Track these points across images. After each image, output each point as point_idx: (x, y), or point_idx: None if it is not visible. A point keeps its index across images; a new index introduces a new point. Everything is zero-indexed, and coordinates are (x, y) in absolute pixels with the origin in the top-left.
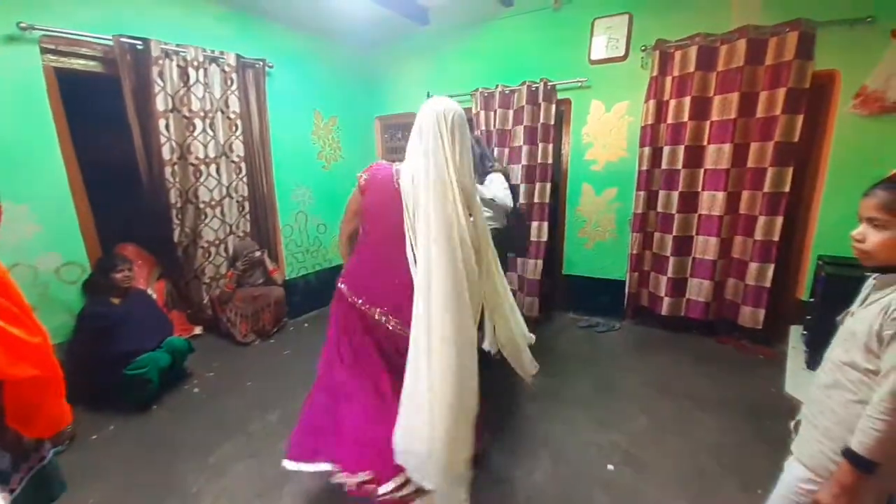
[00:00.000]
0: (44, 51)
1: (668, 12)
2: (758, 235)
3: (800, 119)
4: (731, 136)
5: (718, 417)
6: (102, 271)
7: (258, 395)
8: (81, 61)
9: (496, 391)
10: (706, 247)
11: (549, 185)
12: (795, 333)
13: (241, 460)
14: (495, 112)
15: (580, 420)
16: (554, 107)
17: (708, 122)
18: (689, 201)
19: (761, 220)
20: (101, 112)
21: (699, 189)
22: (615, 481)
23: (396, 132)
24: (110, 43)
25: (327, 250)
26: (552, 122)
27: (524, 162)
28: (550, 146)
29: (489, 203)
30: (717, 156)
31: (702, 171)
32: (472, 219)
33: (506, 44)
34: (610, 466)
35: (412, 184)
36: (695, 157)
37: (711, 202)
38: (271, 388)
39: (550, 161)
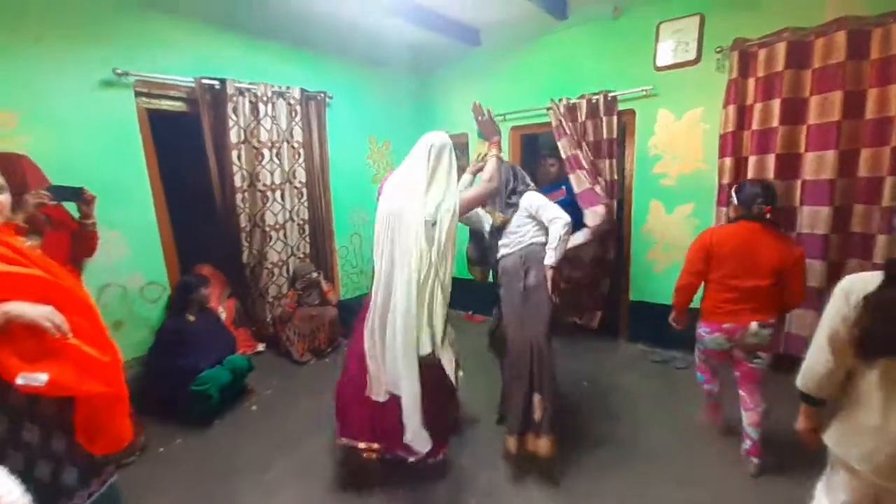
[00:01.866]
0: (137, 94)
1: (745, 9)
2: (877, 258)
3: None
4: (835, 141)
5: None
6: (188, 290)
7: (311, 413)
8: (169, 102)
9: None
10: (810, 272)
11: (614, 204)
12: None
13: (295, 478)
14: (575, 124)
15: (653, 474)
16: (616, 119)
17: (804, 127)
18: (785, 217)
19: (881, 239)
20: (182, 146)
21: (797, 204)
22: None
23: None
24: (192, 84)
25: None
26: (615, 136)
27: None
28: (614, 161)
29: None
30: (817, 165)
31: (799, 182)
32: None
33: (562, 58)
34: None
35: (387, 193)
36: (789, 166)
37: (814, 218)
38: (323, 409)
39: (616, 177)
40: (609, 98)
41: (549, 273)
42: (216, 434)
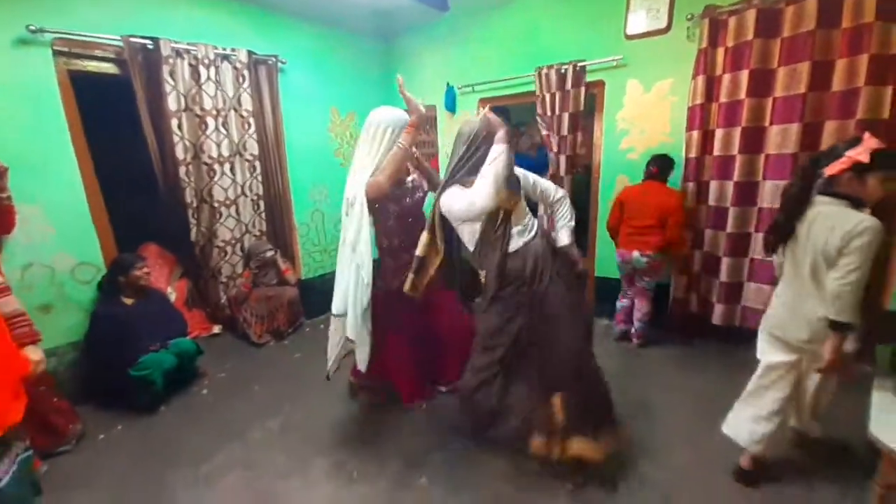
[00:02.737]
0: (56, 53)
1: None
2: None
3: (888, 91)
4: (799, 114)
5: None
6: (118, 270)
7: (264, 400)
8: (94, 63)
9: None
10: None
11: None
12: (883, 355)
13: (233, 471)
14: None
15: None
16: (584, 91)
17: (770, 99)
18: (747, 193)
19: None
20: (119, 113)
21: (759, 178)
22: None
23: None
24: (121, 44)
25: None
26: (581, 109)
27: (557, 152)
28: (579, 135)
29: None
30: (781, 138)
31: (762, 156)
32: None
33: (532, 25)
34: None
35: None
36: (754, 140)
37: (774, 194)
38: (277, 394)
39: (584, 152)
40: (578, 69)
41: (575, 253)
42: (160, 421)
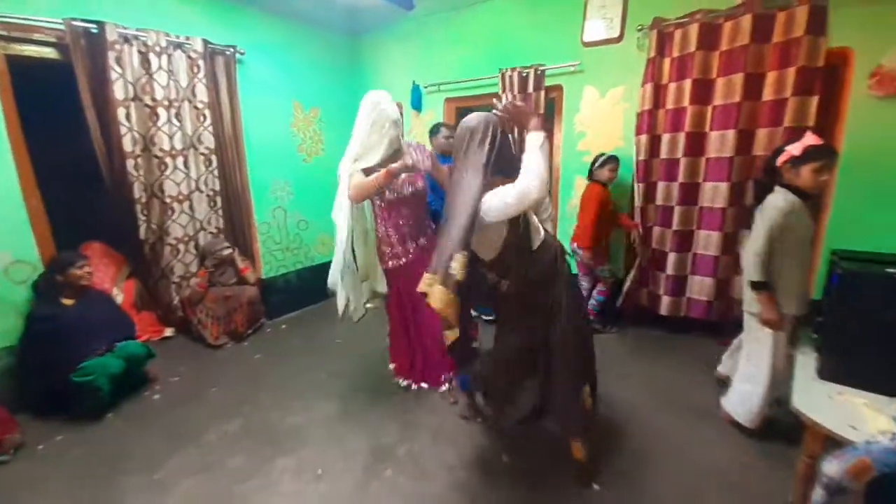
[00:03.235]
0: None
1: None
2: None
3: (814, 101)
4: (734, 121)
5: (720, 432)
6: (56, 269)
7: (221, 403)
8: (34, 48)
9: None
10: (708, 242)
11: None
12: (805, 337)
13: (189, 476)
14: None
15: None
16: (543, 94)
17: (710, 107)
18: (691, 193)
19: None
20: (60, 102)
21: (701, 180)
22: None
23: None
24: (62, 27)
25: (309, 248)
26: (542, 112)
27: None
28: None
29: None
30: (720, 143)
31: (703, 160)
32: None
33: (495, 28)
34: (596, 486)
35: None
36: (696, 145)
37: (714, 194)
38: (236, 396)
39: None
40: (539, 72)
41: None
42: (107, 428)
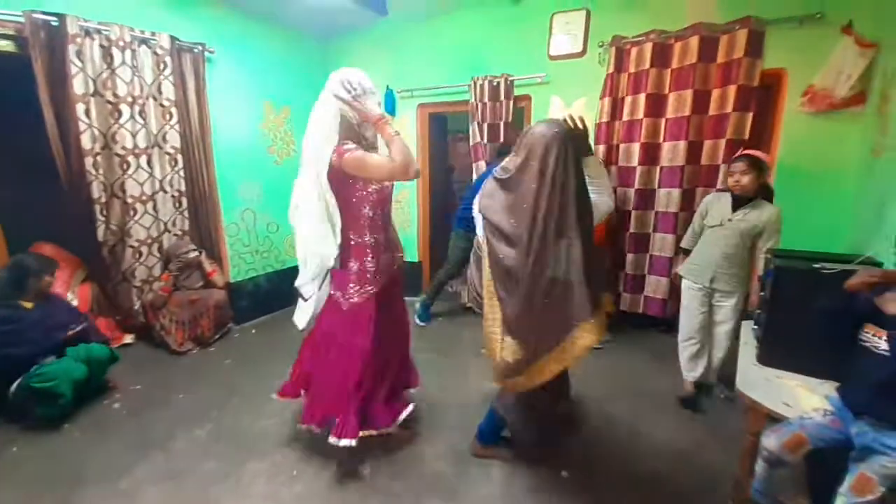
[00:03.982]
0: None
1: (624, 8)
2: None
3: (749, 116)
4: (685, 133)
5: (674, 417)
6: (23, 272)
7: (188, 409)
8: None
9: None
10: (663, 244)
11: None
12: (746, 329)
13: (156, 484)
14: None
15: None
16: (512, 103)
17: (663, 120)
18: (646, 198)
19: None
20: (16, 97)
21: (655, 186)
22: (568, 488)
23: None
24: (21, 19)
25: (279, 251)
26: (510, 120)
27: (488, 159)
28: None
29: None
30: (672, 153)
31: (658, 168)
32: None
33: (466, 38)
34: (564, 473)
35: None
36: (651, 154)
37: (667, 199)
38: (204, 402)
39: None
40: (508, 82)
41: None
42: (65, 439)
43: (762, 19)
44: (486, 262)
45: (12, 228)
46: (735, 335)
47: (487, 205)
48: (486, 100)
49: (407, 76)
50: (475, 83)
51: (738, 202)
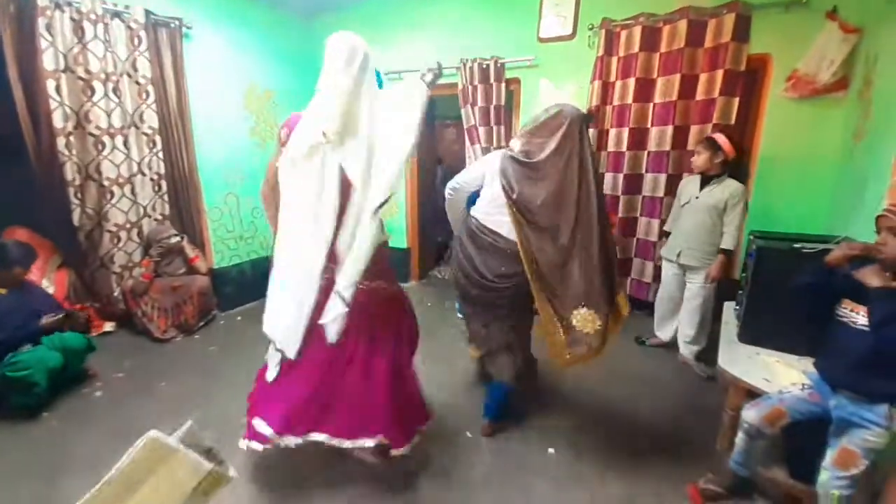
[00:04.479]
0: None
1: None
2: None
3: (735, 101)
4: (672, 118)
5: (657, 396)
6: (4, 262)
7: (173, 397)
8: None
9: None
10: (649, 228)
11: None
12: (728, 310)
13: None
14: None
15: (521, 404)
16: (504, 86)
17: (651, 105)
18: (634, 183)
19: None
20: None
21: (643, 171)
22: (555, 466)
23: None
24: None
25: (264, 236)
26: (503, 103)
27: (483, 144)
28: (502, 128)
29: None
30: (659, 138)
31: (645, 153)
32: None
33: (454, 19)
34: (551, 450)
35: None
36: (639, 139)
37: (654, 184)
38: (190, 389)
39: (504, 144)
40: (499, 64)
41: None
42: (43, 427)
43: (749, 4)
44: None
45: None
46: (707, 312)
47: (530, 194)
48: (476, 82)
49: (394, 58)
50: (465, 65)
51: (706, 181)
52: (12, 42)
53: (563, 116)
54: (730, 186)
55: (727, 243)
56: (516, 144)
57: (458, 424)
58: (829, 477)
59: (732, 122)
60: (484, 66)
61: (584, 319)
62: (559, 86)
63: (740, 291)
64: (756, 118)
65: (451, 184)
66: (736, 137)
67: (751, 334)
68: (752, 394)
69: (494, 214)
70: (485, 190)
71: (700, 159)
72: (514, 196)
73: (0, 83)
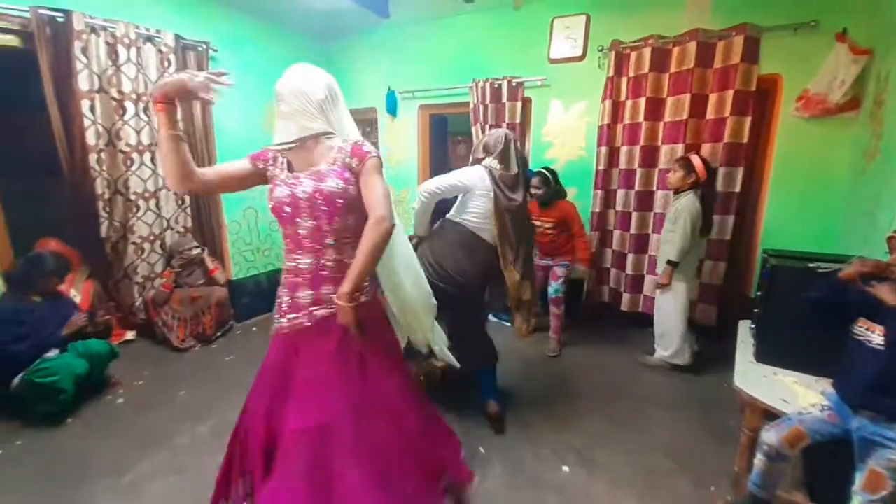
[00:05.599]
0: None
1: (623, 14)
2: (711, 234)
3: (747, 121)
4: (683, 136)
5: (672, 415)
6: (38, 267)
7: (191, 405)
8: None
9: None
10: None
11: None
12: (744, 328)
13: (161, 478)
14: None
15: (535, 421)
16: (520, 105)
17: (662, 123)
18: (645, 200)
19: (714, 218)
20: (21, 92)
21: (654, 188)
22: (569, 483)
23: (359, 128)
24: (27, 14)
25: (281, 249)
26: (518, 121)
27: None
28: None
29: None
30: (670, 155)
31: (656, 170)
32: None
33: (467, 41)
34: (565, 468)
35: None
36: (650, 156)
37: (666, 201)
38: (207, 398)
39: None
40: (514, 83)
41: None
42: (68, 433)
43: (758, 26)
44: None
45: (17, 224)
46: (666, 319)
47: (516, 199)
48: (487, 101)
49: (408, 77)
50: (476, 85)
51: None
52: (49, 64)
53: (507, 140)
54: (684, 199)
55: (669, 254)
56: (494, 164)
57: (470, 440)
58: (861, 502)
59: (745, 140)
60: (496, 85)
61: (526, 289)
62: (569, 106)
63: (755, 310)
64: (768, 137)
65: (429, 188)
66: (708, 160)
67: (767, 353)
68: (770, 414)
69: (485, 225)
70: (476, 202)
71: (674, 177)
72: (506, 203)
73: (36, 102)
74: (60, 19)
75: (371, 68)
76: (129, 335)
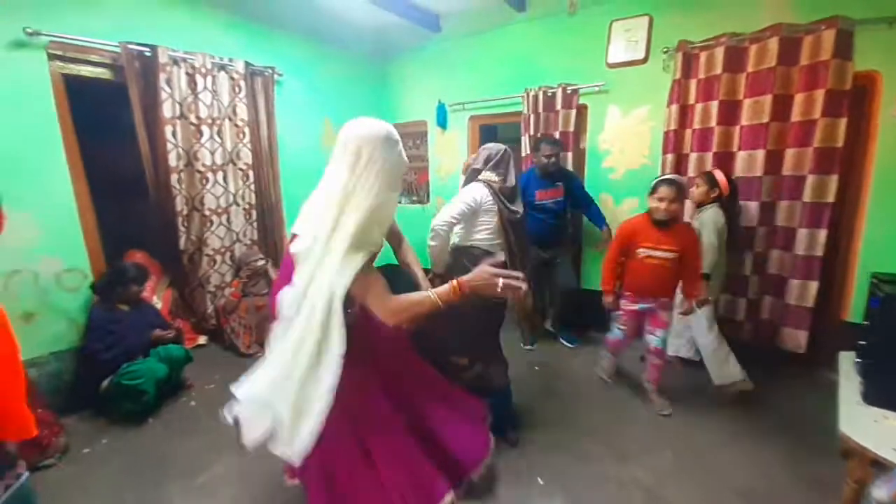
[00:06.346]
0: (51, 57)
1: (690, 13)
2: (798, 250)
3: (842, 123)
4: (763, 141)
5: (752, 455)
6: (121, 277)
7: None
8: (89, 68)
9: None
10: (740, 260)
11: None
12: (847, 361)
13: (231, 483)
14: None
15: (597, 453)
16: (574, 112)
17: (738, 128)
18: None
19: (802, 232)
20: (111, 119)
21: None
22: None
23: (408, 140)
24: (118, 49)
25: None
26: (571, 129)
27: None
28: (570, 154)
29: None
30: (748, 163)
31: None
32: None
33: (520, 50)
34: (540, 481)
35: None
36: (724, 164)
37: (745, 212)
38: None
39: (572, 170)
40: (569, 91)
41: None
42: (148, 433)
43: (850, 19)
44: None
45: (109, 237)
46: (704, 332)
47: (517, 210)
48: (540, 110)
49: (458, 90)
50: (528, 94)
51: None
52: (138, 94)
53: (508, 153)
54: (703, 213)
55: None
56: (492, 176)
57: (521, 467)
58: None
59: (840, 144)
60: (549, 93)
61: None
62: (628, 111)
63: (862, 342)
64: (866, 140)
65: (444, 219)
66: (731, 175)
67: (878, 395)
68: (879, 464)
69: (495, 240)
70: (483, 219)
71: (697, 192)
72: (508, 215)
73: (124, 128)
74: (147, 54)
75: (422, 83)
76: (202, 340)
